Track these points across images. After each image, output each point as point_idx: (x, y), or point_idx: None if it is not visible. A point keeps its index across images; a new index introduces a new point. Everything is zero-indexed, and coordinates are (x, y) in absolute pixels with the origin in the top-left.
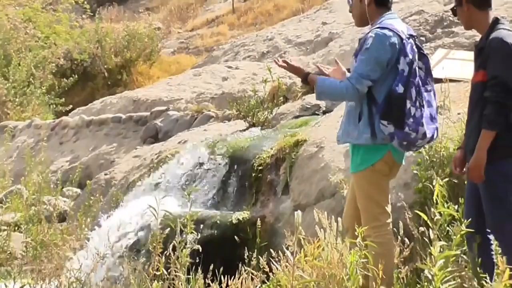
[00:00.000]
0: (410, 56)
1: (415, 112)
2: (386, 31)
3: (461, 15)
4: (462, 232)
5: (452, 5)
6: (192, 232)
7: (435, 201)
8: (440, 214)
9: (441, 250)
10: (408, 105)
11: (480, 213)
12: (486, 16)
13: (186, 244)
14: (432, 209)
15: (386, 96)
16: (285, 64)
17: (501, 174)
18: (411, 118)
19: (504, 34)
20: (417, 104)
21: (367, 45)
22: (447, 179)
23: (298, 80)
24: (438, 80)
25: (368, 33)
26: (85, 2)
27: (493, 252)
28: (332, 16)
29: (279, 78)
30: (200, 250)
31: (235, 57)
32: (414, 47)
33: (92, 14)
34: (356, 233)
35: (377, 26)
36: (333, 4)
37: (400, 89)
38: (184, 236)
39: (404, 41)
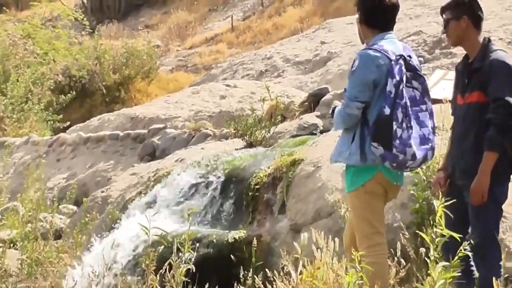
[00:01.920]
0: (397, 78)
1: (401, 134)
2: (371, 52)
3: (455, 29)
4: (461, 255)
5: None
6: (189, 251)
7: (437, 222)
8: (443, 236)
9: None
10: (395, 126)
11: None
12: (479, 36)
13: (182, 262)
14: (434, 229)
15: (375, 118)
16: None
17: (495, 199)
18: (397, 139)
19: (503, 55)
20: (404, 125)
21: (353, 68)
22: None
23: (296, 99)
24: (438, 101)
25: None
26: (85, 19)
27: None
28: (331, 36)
29: (277, 97)
30: (194, 270)
31: (234, 76)
32: (403, 67)
33: (91, 31)
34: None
35: (366, 47)
36: (332, 24)
37: (387, 110)
38: (180, 254)
39: (392, 62)
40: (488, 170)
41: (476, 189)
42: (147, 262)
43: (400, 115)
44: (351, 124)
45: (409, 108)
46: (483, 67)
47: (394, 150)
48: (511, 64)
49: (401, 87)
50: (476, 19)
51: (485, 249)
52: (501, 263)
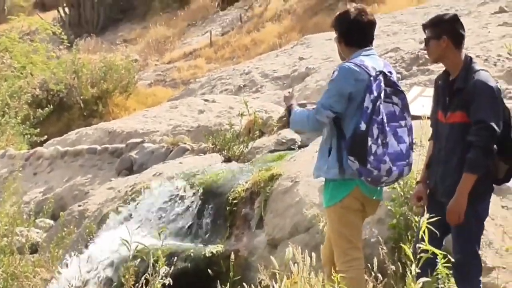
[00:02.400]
0: (375, 94)
1: (376, 150)
2: (351, 65)
3: (436, 48)
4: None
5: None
6: (164, 266)
7: (420, 237)
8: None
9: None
10: (370, 142)
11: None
12: (460, 54)
13: (158, 277)
14: (415, 245)
15: (352, 132)
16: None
17: (476, 216)
18: (372, 155)
19: (486, 76)
20: (379, 142)
21: (332, 78)
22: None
23: (274, 115)
24: (416, 117)
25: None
26: (63, 33)
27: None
28: (309, 51)
29: (255, 112)
30: (171, 283)
31: (212, 91)
32: (382, 83)
33: (69, 45)
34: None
35: (347, 60)
36: (310, 40)
37: (363, 126)
38: (157, 269)
39: (371, 78)
40: (466, 192)
41: (453, 210)
42: (126, 276)
43: (375, 131)
44: (312, 130)
45: (386, 124)
46: (466, 87)
47: (369, 166)
48: (494, 86)
49: (378, 103)
50: (457, 38)
51: (468, 265)
52: (481, 278)
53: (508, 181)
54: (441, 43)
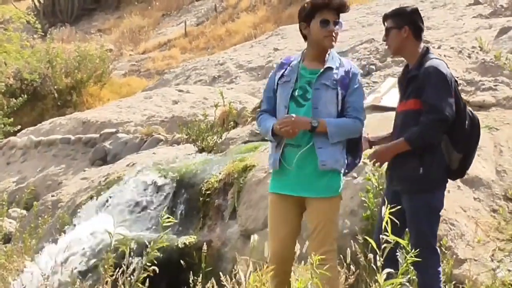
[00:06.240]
0: None
1: None
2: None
3: (396, 38)
4: (409, 261)
5: None
6: (153, 259)
7: (383, 229)
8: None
9: (389, 277)
10: None
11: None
12: (419, 46)
13: (133, 267)
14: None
15: None
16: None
17: (427, 206)
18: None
19: (437, 63)
20: None
21: (356, 84)
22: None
23: (248, 105)
24: (390, 109)
25: (351, 68)
26: (37, 22)
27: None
28: (284, 42)
29: (230, 103)
30: (149, 274)
31: (186, 81)
32: None
33: (43, 34)
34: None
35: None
36: (285, 31)
37: None
38: (131, 259)
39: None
40: (394, 151)
41: (378, 153)
42: (106, 266)
43: None
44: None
45: None
46: (418, 75)
47: (358, 160)
48: (444, 71)
49: None
50: (417, 29)
51: (422, 257)
52: (440, 269)
53: (462, 175)
54: (402, 33)
